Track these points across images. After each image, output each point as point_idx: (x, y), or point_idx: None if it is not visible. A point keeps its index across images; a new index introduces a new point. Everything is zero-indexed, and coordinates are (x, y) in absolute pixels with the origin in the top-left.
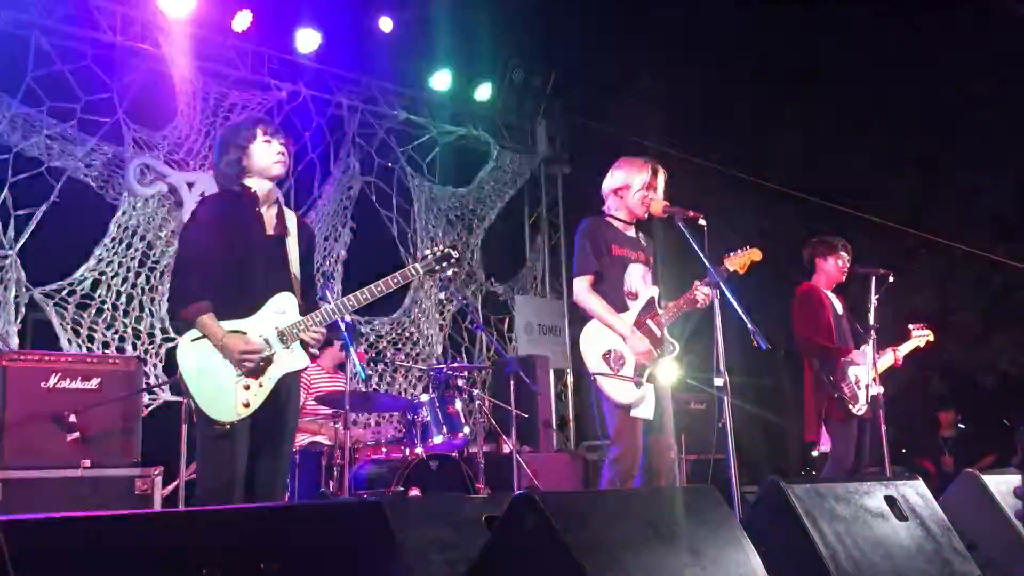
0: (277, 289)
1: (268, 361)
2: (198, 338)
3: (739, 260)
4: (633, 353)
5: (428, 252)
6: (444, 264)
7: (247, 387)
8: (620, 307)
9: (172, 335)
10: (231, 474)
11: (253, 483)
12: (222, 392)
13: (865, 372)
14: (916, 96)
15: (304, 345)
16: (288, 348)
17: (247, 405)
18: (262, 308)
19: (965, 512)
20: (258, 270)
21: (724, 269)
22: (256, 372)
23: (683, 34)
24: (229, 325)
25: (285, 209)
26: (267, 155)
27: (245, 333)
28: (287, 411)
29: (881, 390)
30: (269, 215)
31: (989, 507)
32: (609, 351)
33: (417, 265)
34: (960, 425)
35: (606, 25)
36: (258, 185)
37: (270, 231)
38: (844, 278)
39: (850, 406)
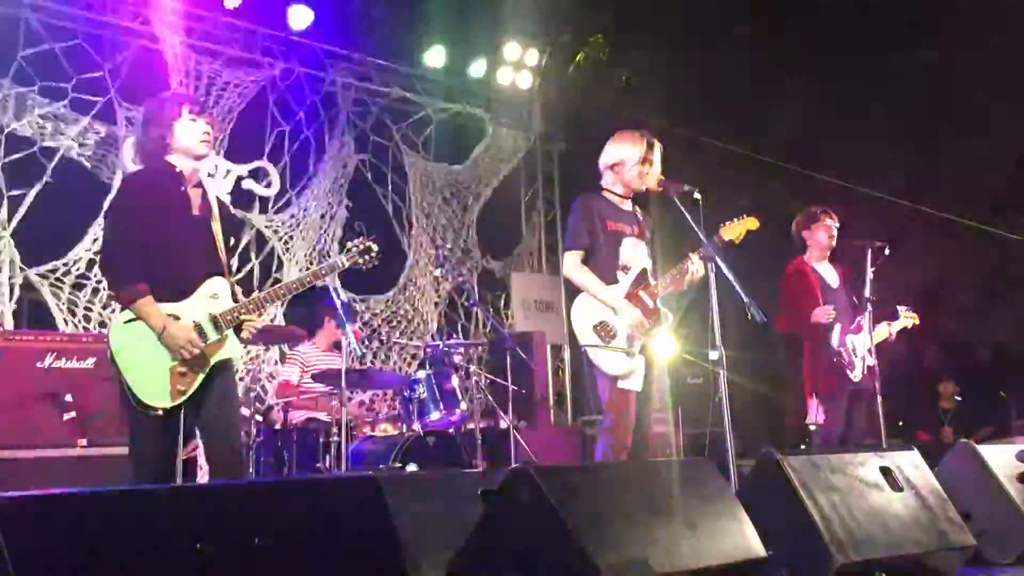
0: (209, 272)
1: (204, 350)
2: (131, 320)
3: (735, 229)
4: (626, 324)
5: (351, 245)
6: (367, 257)
7: (183, 374)
8: (612, 281)
9: None
10: (164, 460)
11: (212, 466)
12: (155, 378)
13: (861, 341)
14: (914, 69)
15: (237, 332)
16: (222, 335)
17: (182, 392)
18: (195, 292)
19: (960, 482)
20: (189, 252)
21: (719, 238)
22: (192, 360)
23: (680, 8)
24: (163, 308)
25: (208, 191)
26: (192, 134)
27: (179, 318)
28: (226, 394)
29: (875, 362)
30: (194, 194)
31: (984, 477)
32: (599, 323)
33: (342, 257)
34: (957, 397)
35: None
36: (182, 164)
37: (195, 211)
38: (835, 244)
39: (847, 372)
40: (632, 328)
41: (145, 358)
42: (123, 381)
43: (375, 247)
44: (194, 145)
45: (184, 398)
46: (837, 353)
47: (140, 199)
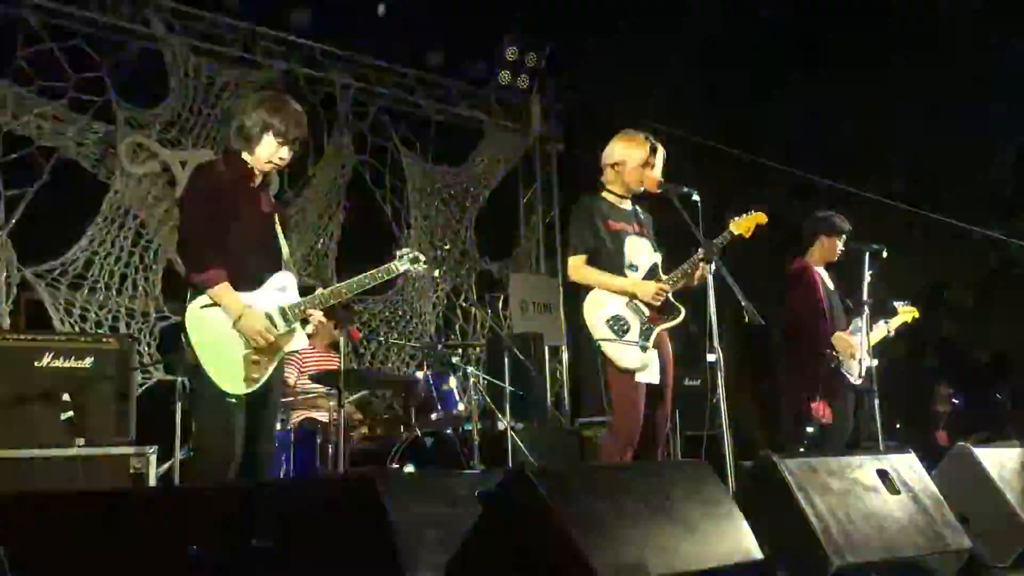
0: (276, 267)
1: (277, 339)
2: (207, 305)
3: (744, 224)
4: (647, 298)
5: (401, 253)
6: (415, 266)
7: (256, 362)
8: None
9: (167, 314)
10: (231, 447)
11: (245, 461)
12: (232, 364)
13: (859, 345)
14: (914, 71)
15: (303, 325)
16: (290, 328)
17: (255, 380)
18: (264, 284)
19: (957, 485)
20: (259, 245)
21: (729, 233)
22: (265, 349)
23: (680, 9)
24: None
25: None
26: (270, 153)
27: (251, 307)
28: (275, 389)
29: (875, 363)
30: (263, 192)
31: (981, 480)
32: (613, 317)
33: (397, 263)
34: (954, 400)
35: (601, 0)
36: (254, 163)
37: (265, 208)
38: (835, 260)
39: (848, 376)
40: (654, 300)
41: (221, 344)
42: (200, 366)
43: (422, 257)
44: (264, 163)
45: (256, 387)
46: (835, 359)
47: (214, 188)
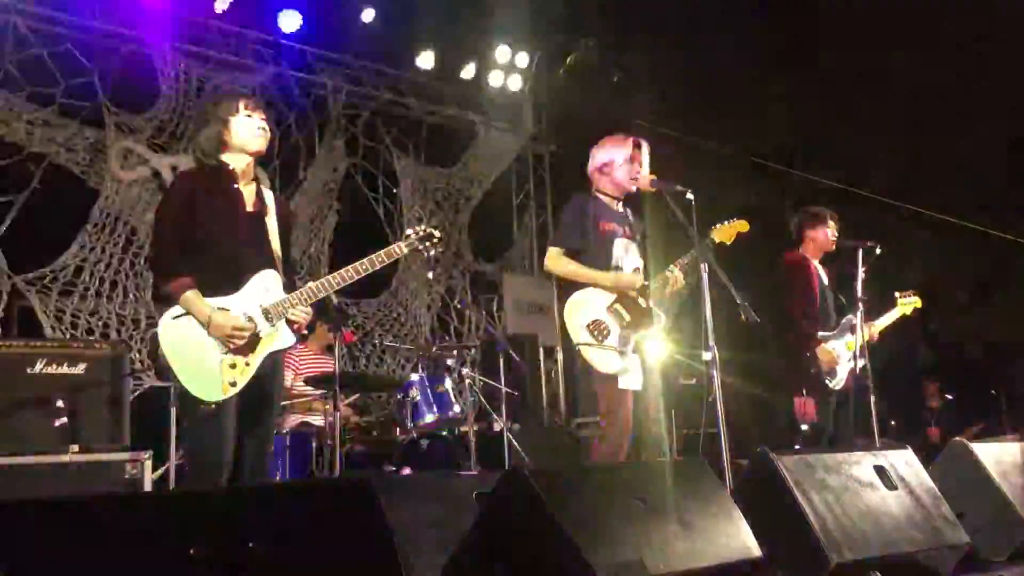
0: (260, 267)
1: (255, 339)
2: (180, 315)
3: (725, 231)
4: (624, 290)
5: (411, 232)
6: (427, 243)
7: (233, 366)
8: None
9: (158, 319)
10: (220, 454)
11: (240, 464)
12: (207, 371)
13: (844, 346)
14: (905, 67)
15: (290, 324)
16: (273, 327)
17: (234, 384)
18: (245, 286)
19: (954, 480)
20: (239, 247)
21: (711, 240)
22: (242, 350)
23: (669, 10)
24: (212, 302)
25: (263, 188)
26: (248, 129)
27: (228, 310)
28: (272, 391)
29: (866, 362)
30: (248, 191)
31: (978, 475)
32: (593, 321)
33: (401, 244)
34: (948, 396)
35: (592, 2)
36: (237, 161)
37: (249, 208)
38: (831, 248)
39: (827, 380)
40: (631, 292)
41: (196, 352)
42: (174, 377)
43: (437, 233)
44: (250, 140)
45: (235, 391)
46: (814, 362)
47: (188, 197)
